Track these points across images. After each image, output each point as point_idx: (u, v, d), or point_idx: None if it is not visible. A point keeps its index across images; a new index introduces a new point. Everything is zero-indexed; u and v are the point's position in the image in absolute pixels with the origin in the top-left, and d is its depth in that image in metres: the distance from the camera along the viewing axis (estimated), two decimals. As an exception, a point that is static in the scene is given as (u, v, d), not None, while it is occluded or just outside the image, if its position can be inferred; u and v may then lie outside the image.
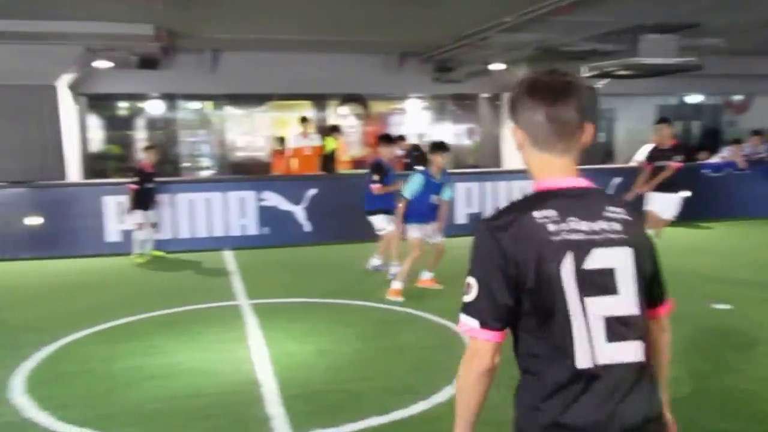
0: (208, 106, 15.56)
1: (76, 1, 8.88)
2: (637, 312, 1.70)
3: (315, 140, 12.55)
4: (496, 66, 12.92)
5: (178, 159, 15.16)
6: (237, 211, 11.03)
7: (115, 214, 10.40)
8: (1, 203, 10.34)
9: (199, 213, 10.92)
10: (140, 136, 15.21)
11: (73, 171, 11.95)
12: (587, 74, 10.67)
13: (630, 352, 1.67)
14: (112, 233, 10.38)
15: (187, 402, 4.54)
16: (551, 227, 1.67)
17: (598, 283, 1.67)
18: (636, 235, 1.75)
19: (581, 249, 1.67)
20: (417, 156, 13.35)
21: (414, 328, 6.25)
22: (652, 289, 1.80)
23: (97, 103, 14.34)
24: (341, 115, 15.76)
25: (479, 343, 1.69)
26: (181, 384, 4.89)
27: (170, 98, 14.99)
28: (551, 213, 1.69)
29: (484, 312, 1.68)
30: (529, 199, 1.75)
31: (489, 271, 1.68)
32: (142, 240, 9.99)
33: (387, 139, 8.71)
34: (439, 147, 7.44)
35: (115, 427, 4.14)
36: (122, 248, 10.11)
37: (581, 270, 1.66)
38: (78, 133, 12.88)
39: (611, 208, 1.75)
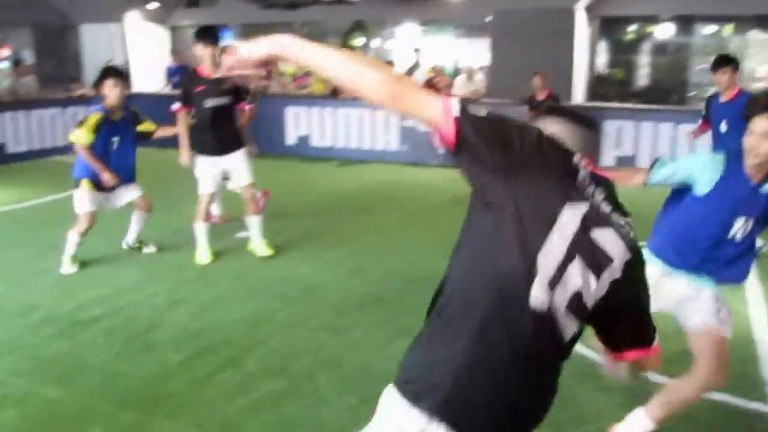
0: (727, 30, 14.05)
1: None
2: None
3: None
4: None
5: (685, 88, 14.19)
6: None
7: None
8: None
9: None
10: (644, 61, 14.75)
11: (578, 93, 12.31)
12: None
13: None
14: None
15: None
16: None
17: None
18: None
19: None
20: None
21: None
22: None
23: (608, 26, 14.28)
24: None
25: (438, 109, 1.52)
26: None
27: (685, 21, 13.96)
28: None
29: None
30: None
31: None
32: None
33: None
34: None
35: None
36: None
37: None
38: (587, 56, 13.15)
39: None
